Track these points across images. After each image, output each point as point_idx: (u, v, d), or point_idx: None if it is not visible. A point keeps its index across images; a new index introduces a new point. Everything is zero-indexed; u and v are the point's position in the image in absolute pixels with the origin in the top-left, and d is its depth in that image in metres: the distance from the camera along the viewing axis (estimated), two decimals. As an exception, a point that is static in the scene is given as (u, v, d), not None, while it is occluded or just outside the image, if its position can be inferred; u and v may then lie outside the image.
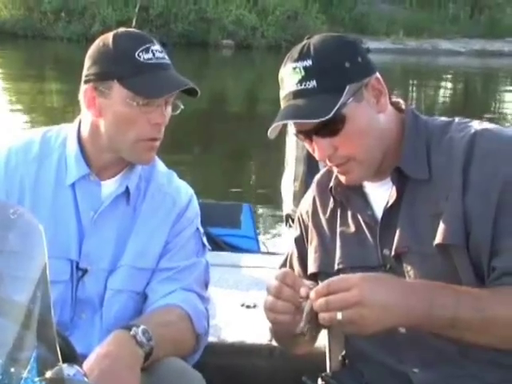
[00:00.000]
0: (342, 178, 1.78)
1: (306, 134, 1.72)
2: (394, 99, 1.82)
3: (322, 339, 2.02)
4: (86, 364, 1.73)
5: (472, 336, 1.59)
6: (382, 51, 25.77)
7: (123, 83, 1.94)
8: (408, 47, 28.18)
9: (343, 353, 1.93)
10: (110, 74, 1.96)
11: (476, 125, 1.73)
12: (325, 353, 2.03)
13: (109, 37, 2.00)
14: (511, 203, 1.63)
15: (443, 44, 28.94)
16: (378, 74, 1.74)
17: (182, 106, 2.03)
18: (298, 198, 3.09)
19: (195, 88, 1.98)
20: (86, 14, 27.14)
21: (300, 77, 1.67)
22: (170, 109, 2.00)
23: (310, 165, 3.03)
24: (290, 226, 3.16)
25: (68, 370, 1.21)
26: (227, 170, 10.29)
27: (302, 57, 1.69)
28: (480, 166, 1.65)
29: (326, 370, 1.98)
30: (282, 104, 1.72)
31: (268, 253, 4.50)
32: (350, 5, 30.36)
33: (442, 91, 21.15)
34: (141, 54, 1.94)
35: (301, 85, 1.67)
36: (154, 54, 1.96)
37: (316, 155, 1.74)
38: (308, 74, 1.67)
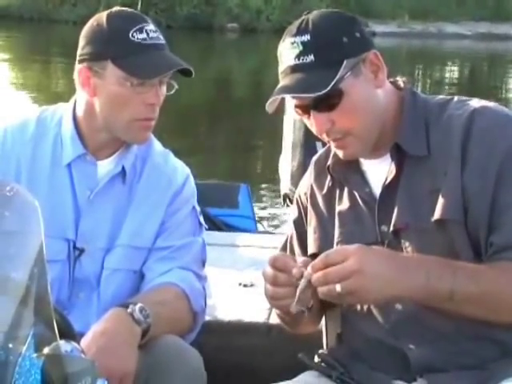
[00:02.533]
0: (340, 153, 1.78)
1: (304, 108, 1.72)
2: (393, 78, 1.82)
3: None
4: (84, 341, 1.74)
5: (470, 309, 1.61)
6: (388, 35, 25.70)
7: (117, 63, 1.94)
8: (414, 31, 28.09)
9: (339, 330, 1.93)
10: (103, 54, 1.96)
11: (475, 103, 1.74)
12: (321, 330, 2.04)
13: (103, 16, 2.00)
14: (509, 178, 1.64)
15: (449, 27, 28.81)
16: (376, 50, 1.74)
17: (177, 86, 2.03)
18: (295, 177, 3.09)
19: (189, 68, 1.99)
20: (91, -3, 27.06)
21: (298, 51, 1.68)
22: (164, 89, 2.00)
23: (308, 145, 3.03)
24: (288, 205, 3.17)
25: (65, 346, 1.21)
26: (228, 151, 10.30)
27: (300, 32, 1.69)
28: (478, 142, 1.67)
29: (322, 348, 2.00)
30: (280, 78, 1.73)
31: (266, 232, 4.50)
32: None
33: (447, 75, 21.11)
34: (135, 33, 1.94)
35: (299, 59, 1.68)
36: (148, 34, 1.95)
37: (313, 129, 1.74)
38: (306, 48, 1.67)
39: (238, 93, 15.59)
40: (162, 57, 1.98)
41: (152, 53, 1.95)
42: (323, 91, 1.64)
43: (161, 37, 2.00)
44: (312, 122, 1.73)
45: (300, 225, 1.97)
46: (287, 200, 3.24)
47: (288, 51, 1.70)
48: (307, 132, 2.86)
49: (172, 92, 2.04)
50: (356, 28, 1.73)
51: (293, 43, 1.69)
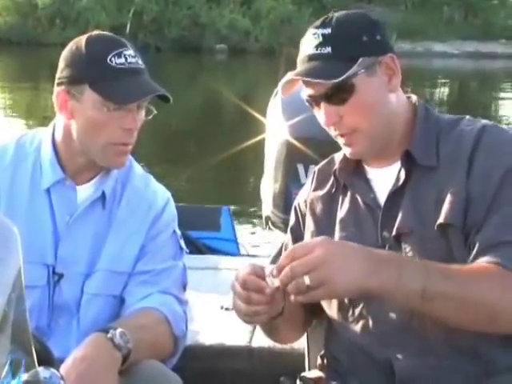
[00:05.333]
0: (347, 151, 1.81)
1: (316, 99, 1.77)
2: (407, 94, 1.87)
3: (302, 340, 2.03)
4: (64, 367, 1.72)
5: (441, 311, 1.59)
6: (376, 54, 25.76)
7: (94, 88, 1.94)
8: (401, 50, 28.22)
9: (322, 352, 1.93)
10: (81, 78, 1.96)
11: (485, 122, 1.81)
12: (304, 354, 2.04)
13: (82, 40, 2.00)
14: (508, 191, 1.67)
15: (437, 46, 29.03)
16: (394, 55, 1.79)
17: (155, 111, 2.03)
18: (277, 200, 3.09)
19: (167, 94, 1.99)
20: (79, 20, 27.18)
21: (317, 42, 1.75)
22: (142, 113, 2.00)
23: (290, 167, 3.03)
24: (270, 228, 3.17)
25: (44, 373, 1.20)
26: (211, 173, 10.27)
27: (323, 25, 1.78)
28: (485, 156, 1.71)
29: (304, 371, 1.99)
30: (298, 66, 1.80)
31: (248, 255, 4.49)
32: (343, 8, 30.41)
33: (436, 94, 21.20)
34: (113, 58, 1.94)
35: (317, 49, 1.75)
36: (126, 59, 1.95)
37: (322, 122, 1.79)
38: (325, 40, 1.75)
39: (225, 114, 15.60)
40: (140, 82, 1.98)
41: (130, 78, 1.95)
42: (334, 80, 1.70)
43: (140, 62, 2.00)
44: (322, 114, 1.78)
45: (297, 232, 1.99)
46: (269, 222, 3.23)
47: (308, 41, 1.78)
48: (289, 154, 2.88)
49: (150, 117, 2.04)
50: (377, 31, 1.79)
51: (314, 34, 1.77)
